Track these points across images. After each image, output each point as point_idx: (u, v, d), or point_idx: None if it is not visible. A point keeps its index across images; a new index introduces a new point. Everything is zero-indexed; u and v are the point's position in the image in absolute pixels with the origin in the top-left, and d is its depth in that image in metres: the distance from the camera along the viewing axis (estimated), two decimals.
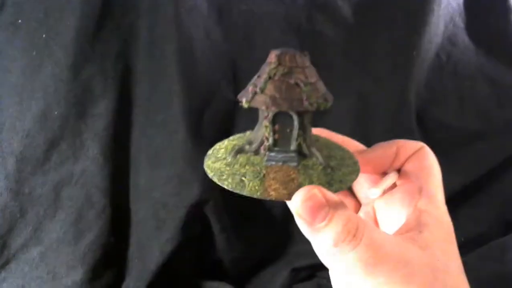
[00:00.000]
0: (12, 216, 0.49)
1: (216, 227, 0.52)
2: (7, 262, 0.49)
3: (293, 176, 0.28)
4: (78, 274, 0.49)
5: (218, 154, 0.31)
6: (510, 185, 0.56)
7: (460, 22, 0.57)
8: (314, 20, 0.54)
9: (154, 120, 0.51)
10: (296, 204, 0.25)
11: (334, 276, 0.31)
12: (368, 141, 0.54)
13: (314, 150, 0.29)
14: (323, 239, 0.25)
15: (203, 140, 0.51)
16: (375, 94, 0.54)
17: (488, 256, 0.50)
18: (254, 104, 0.28)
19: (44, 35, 0.48)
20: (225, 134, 0.52)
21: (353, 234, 0.24)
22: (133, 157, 0.52)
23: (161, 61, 0.50)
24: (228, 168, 0.29)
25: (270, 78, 0.28)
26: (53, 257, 0.49)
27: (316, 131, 0.33)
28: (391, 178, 0.33)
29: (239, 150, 0.30)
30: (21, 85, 0.49)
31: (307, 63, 0.29)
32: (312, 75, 0.29)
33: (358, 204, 0.36)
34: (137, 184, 0.52)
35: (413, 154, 0.32)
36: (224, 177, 0.28)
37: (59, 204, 0.50)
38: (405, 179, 0.32)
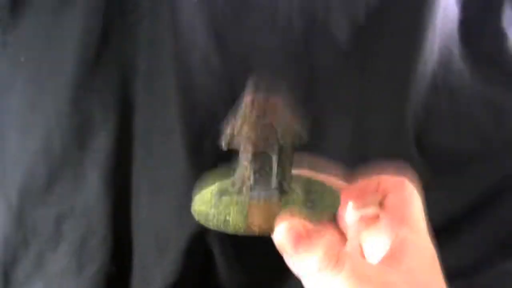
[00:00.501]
0: (15, 249, 0.49)
1: (218, 257, 0.52)
2: None
3: (275, 211, 0.30)
4: None
5: (204, 198, 0.34)
6: (510, 207, 0.57)
7: (454, 48, 0.58)
8: (310, 47, 0.54)
9: (154, 150, 0.51)
10: (278, 236, 0.27)
11: None
12: (366, 166, 0.55)
13: (294, 185, 0.32)
14: (306, 267, 0.27)
15: (204, 169, 0.51)
16: (373, 119, 0.54)
17: (491, 282, 0.50)
18: (233, 145, 0.30)
19: (45, 70, 0.49)
20: (225, 162, 0.53)
21: (335, 261, 0.26)
22: (135, 187, 0.52)
23: (160, 93, 0.50)
24: (213, 210, 0.31)
25: (246, 120, 0.30)
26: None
27: (298, 171, 0.35)
28: (372, 208, 0.35)
29: (224, 192, 0.32)
30: (23, 119, 0.50)
31: (282, 103, 0.31)
32: (287, 115, 0.31)
33: (345, 240, 0.37)
34: (139, 213, 0.53)
35: (394, 187, 0.34)
36: (210, 217, 0.30)
37: (61, 236, 0.50)
38: (387, 211, 0.34)
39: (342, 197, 0.32)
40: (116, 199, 0.51)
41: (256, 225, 0.29)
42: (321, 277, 0.26)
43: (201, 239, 0.51)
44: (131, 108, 0.51)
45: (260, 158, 0.31)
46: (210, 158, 0.52)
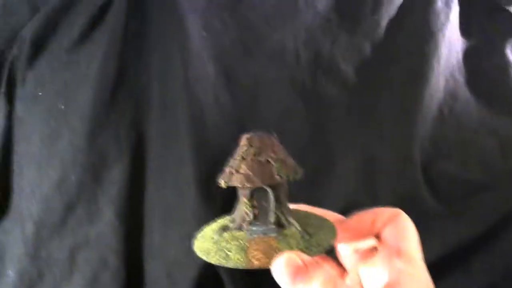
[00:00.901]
0: (30, 280, 0.50)
1: (228, 286, 0.52)
2: None
3: (274, 245, 0.30)
4: None
5: (205, 235, 0.34)
6: None
7: (460, 77, 0.59)
8: (317, 81, 0.56)
9: (166, 182, 0.53)
10: (277, 269, 0.28)
11: None
12: (375, 197, 0.56)
13: (291, 219, 0.32)
14: None
15: (214, 200, 0.53)
16: (380, 150, 0.55)
17: None
18: (231, 183, 0.31)
19: (62, 106, 0.51)
20: (234, 193, 0.54)
21: None
22: (147, 218, 0.53)
23: (172, 125, 0.52)
24: (215, 246, 0.32)
25: (243, 158, 0.31)
26: None
27: (295, 206, 0.35)
28: (368, 241, 0.36)
29: (224, 228, 0.33)
30: (40, 153, 0.51)
31: (276, 142, 0.33)
32: (281, 152, 0.32)
33: (344, 272, 0.38)
34: (150, 243, 0.53)
35: (390, 220, 0.35)
36: (211, 254, 0.31)
37: (75, 267, 0.51)
38: (384, 243, 0.34)
39: (340, 230, 0.33)
40: (129, 230, 0.52)
41: (256, 260, 0.29)
42: None
43: (211, 268, 0.51)
44: (144, 141, 0.53)
45: (258, 194, 0.31)
46: (221, 191, 0.53)
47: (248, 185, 0.30)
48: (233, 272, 0.53)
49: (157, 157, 0.53)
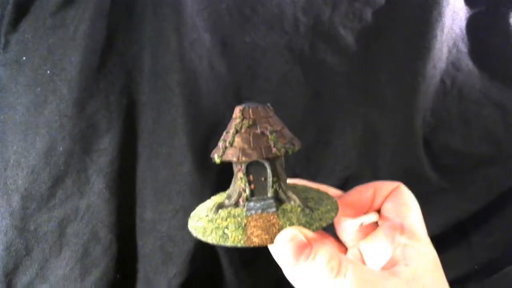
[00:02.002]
0: (17, 254, 0.48)
1: (224, 261, 0.51)
2: None
3: (273, 221, 0.29)
4: None
5: (200, 214, 0.33)
6: None
7: (463, 47, 0.57)
8: (316, 49, 0.54)
9: (159, 153, 0.50)
10: (279, 247, 0.26)
11: None
12: (376, 169, 0.54)
13: (290, 194, 0.31)
14: (308, 276, 0.26)
15: (209, 172, 0.51)
16: (381, 121, 0.53)
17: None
18: (226, 158, 0.29)
19: (48, 72, 0.48)
20: (229, 164, 0.52)
21: (337, 271, 0.26)
22: (139, 191, 0.51)
23: (165, 93, 0.50)
24: (210, 224, 0.30)
25: (237, 131, 0.29)
26: None
27: (292, 181, 0.34)
28: (371, 216, 0.35)
29: (220, 206, 0.31)
30: (25, 122, 0.49)
31: (271, 113, 0.31)
32: (277, 123, 0.31)
33: (345, 249, 0.37)
34: (143, 218, 0.52)
35: (390, 193, 0.34)
36: (207, 233, 0.29)
37: (64, 241, 0.49)
38: (385, 218, 0.34)
39: (340, 206, 0.31)
40: (120, 202, 0.50)
41: (255, 237, 0.28)
42: (323, 285, 0.26)
43: (207, 243, 0.50)
44: (136, 110, 0.50)
45: (254, 168, 0.30)
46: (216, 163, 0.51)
47: (244, 159, 0.29)
48: (230, 248, 0.51)
49: (149, 126, 0.50)
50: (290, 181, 0.34)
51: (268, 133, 0.29)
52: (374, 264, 0.33)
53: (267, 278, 0.53)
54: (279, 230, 0.27)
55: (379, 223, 0.34)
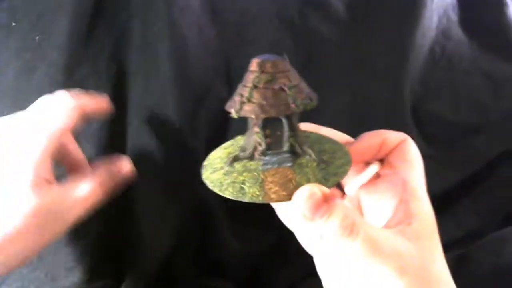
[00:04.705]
0: None
1: (218, 224, 0.52)
2: None
3: (290, 176, 0.29)
4: (76, 275, 0.49)
5: (214, 164, 0.32)
6: (508, 178, 0.56)
7: (453, 15, 0.57)
8: (307, 17, 0.53)
9: (148, 120, 0.51)
10: (298, 204, 0.27)
11: (321, 265, 0.33)
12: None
13: (306, 148, 0.31)
14: (322, 234, 0.27)
15: (198, 140, 0.51)
16: (370, 90, 0.54)
17: (487, 249, 0.50)
18: (244, 113, 0.29)
19: (37, 37, 0.48)
20: (221, 133, 0.52)
21: (351, 229, 0.26)
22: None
23: (154, 60, 0.50)
24: (226, 177, 0.30)
25: (255, 86, 0.29)
26: (51, 259, 0.49)
27: (302, 126, 0.33)
28: (374, 168, 0.35)
29: (235, 158, 0.31)
30: (15, 87, 0.49)
31: (288, 67, 0.30)
32: (295, 77, 0.30)
33: (343, 194, 0.37)
34: (138, 189, 0.52)
35: (397, 145, 0.33)
36: (224, 187, 0.29)
37: None
38: (388, 171, 0.34)
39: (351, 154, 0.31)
40: None
41: (273, 193, 0.27)
42: (335, 244, 0.26)
43: (200, 206, 0.50)
44: (125, 76, 0.50)
45: (270, 123, 0.30)
46: (205, 127, 0.51)
47: (263, 116, 0.28)
48: (223, 209, 0.52)
49: (138, 94, 0.50)
50: (301, 125, 0.33)
51: (286, 88, 0.29)
52: (371, 215, 0.34)
53: (260, 242, 0.54)
54: (296, 187, 0.27)
55: (382, 173, 0.34)
